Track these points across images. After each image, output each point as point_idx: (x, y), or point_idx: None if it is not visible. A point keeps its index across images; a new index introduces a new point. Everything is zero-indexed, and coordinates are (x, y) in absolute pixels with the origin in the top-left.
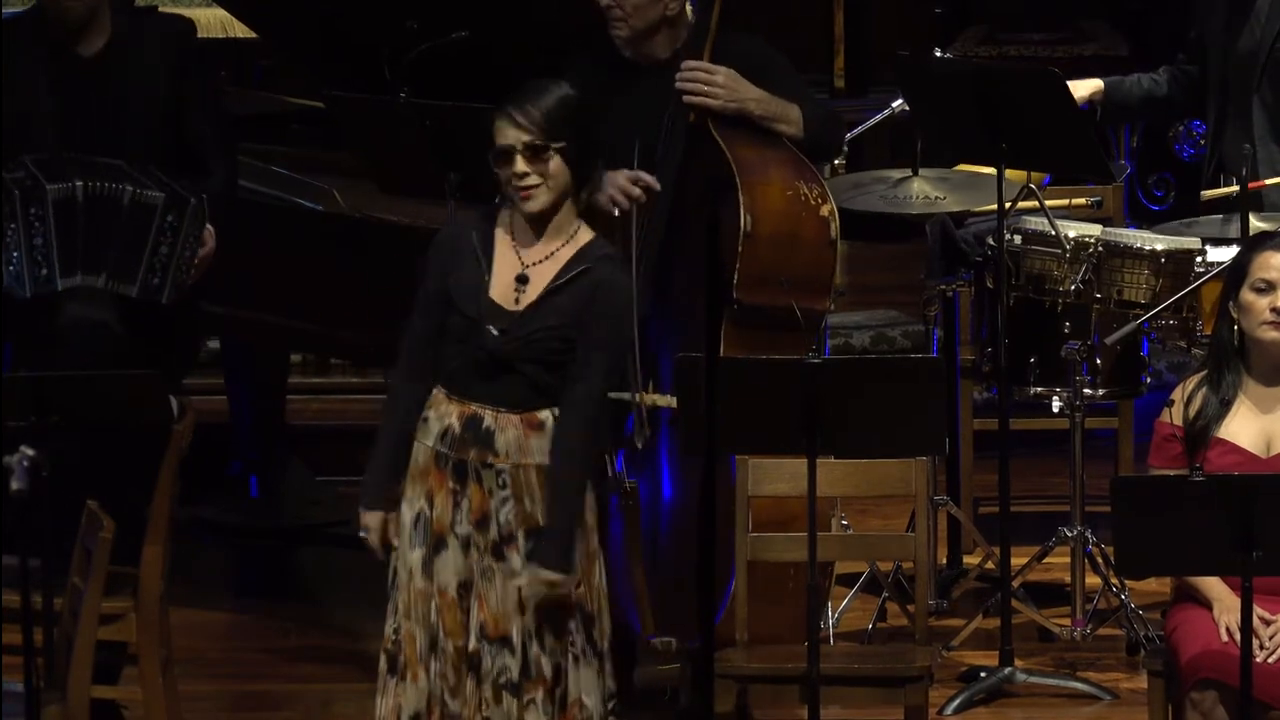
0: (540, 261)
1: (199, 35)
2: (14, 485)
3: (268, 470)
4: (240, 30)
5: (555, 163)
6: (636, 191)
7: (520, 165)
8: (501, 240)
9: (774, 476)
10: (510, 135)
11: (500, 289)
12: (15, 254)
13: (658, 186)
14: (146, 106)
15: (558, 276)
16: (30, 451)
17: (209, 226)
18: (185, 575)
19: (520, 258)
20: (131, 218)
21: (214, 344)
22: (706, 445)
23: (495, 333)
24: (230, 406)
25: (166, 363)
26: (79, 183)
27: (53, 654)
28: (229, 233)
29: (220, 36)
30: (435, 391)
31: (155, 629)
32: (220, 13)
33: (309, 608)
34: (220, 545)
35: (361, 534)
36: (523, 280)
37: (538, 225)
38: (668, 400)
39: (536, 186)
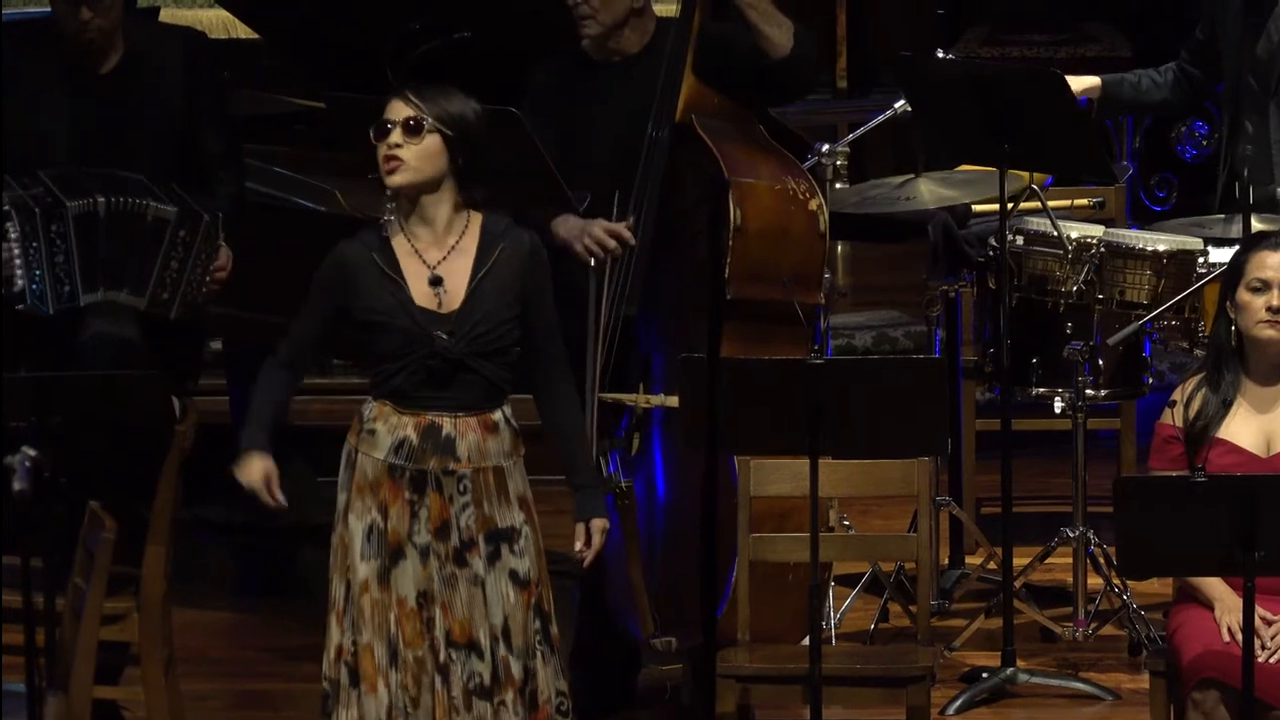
0: (446, 258)
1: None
2: (15, 485)
3: None
4: (242, 31)
5: (431, 142)
6: (612, 244)
7: (395, 137)
8: (402, 251)
9: (776, 477)
10: (392, 110)
11: (422, 297)
12: (38, 272)
13: (633, 241)
14: (161, 122)
15: (478, 264)
16: (31, 452)
17: (223, 244)
18: (187, 575)
19: (425, 261)
20: (150, 232)
21: (216, 345)
22: (708, 445)
23: (445, 337)
24: (232, 407)
25: (184, 375)
26: (100, 198)
27: (55, 654)
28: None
29: (222, 37)
30: (379, 405)
31: (157, 629)
32: (222, 13)
33: (311, 607)
34: (222, 545)
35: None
36: (436, 283)
37: (429, 225)
38: (661, 400)
39: (403, 163)
